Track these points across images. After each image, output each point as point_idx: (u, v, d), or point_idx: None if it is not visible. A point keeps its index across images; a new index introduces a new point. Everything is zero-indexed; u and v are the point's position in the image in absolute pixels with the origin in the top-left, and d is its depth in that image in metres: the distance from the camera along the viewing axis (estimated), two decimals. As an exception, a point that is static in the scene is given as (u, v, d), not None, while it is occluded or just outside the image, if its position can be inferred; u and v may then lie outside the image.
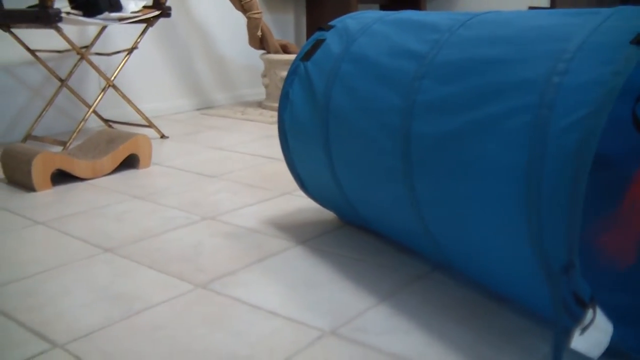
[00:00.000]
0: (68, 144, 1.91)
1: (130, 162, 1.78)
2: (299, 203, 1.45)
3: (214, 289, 1.00)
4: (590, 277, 0.89)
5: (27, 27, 1.97)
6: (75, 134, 1.96)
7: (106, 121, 2.30)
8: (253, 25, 2.68)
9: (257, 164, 1.82)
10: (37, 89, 2.28)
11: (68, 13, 1.88)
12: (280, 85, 2.71)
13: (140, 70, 2.60)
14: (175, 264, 1.11)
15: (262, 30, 2.71)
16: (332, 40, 1.15)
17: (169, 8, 2.17)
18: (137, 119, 2.44)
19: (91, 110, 2.06)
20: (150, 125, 2.21)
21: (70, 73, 2.14)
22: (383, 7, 3.47)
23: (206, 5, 2.85)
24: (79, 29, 2.37)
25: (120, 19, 2.00)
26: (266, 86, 2.81)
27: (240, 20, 2.94)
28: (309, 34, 3.22)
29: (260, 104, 2.93)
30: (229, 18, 2.93)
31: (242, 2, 2.64)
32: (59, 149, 1.94)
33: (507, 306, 0.94)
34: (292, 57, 2.67)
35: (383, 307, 0.94)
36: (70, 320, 0.91)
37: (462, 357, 0.80)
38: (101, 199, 1.49)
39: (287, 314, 0.92)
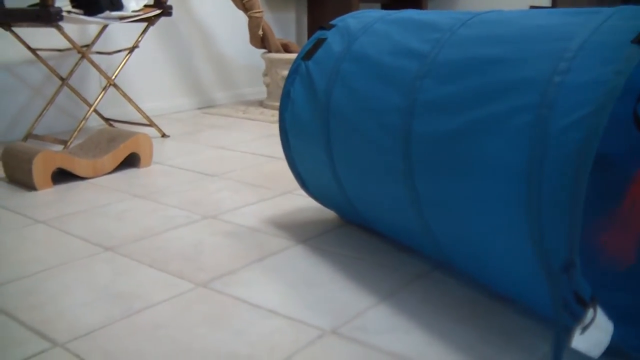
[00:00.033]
0: (69, 143, 1.91)
1: (131, 161, 1.78)
2: (299, 202, 1.45)
3: (214, 288, 1.00)
4: (591, 276, 0.89)
5: (28, 26, 1.97)
6: (76, 132, 1.96)
7: (107, 120, 2.30)
8: (254, 24, 2.68)
9: (258, 163, 1.82)
10: (37, 88, 2.28)
11: (69, 12, 1.88)
12: (281, 84, 2.70)
13: (141, 69, 2.60)
14: (175, 262, 1.11)
15: (263, 29, 2.71)
16: (333, 39, 1.15)
17: (170, 7, 2.17)
18: (138, 117, 2.44)
19: (92, 109, 2.06)
20: (151, 124, 2.21)
21: (71, 72, 2.14)
22: (384, 6, 3.47)
23: (207, 4, 2.85)
24: (79, 27, 2.37)
25: (121, 18, 2.00)
26: (267, 85, 2.81)
27: (241, 19, 2.94)
28: (310, 33, 3.22)
29: (261, 103, 2.93)
30: (230, 17, 2.93)
31: (244, 1, 2.63)
32: (59, 147, 1.94)
33: (507, 305, 0.94)
34: (293, 56, 2.67)
35: (383, 306, 0.94)
36: (70, 319, 0.91)
37: (462, 356, 0.80)
38: (102, 198, 1.50)
39: (288, 313, 0.92)
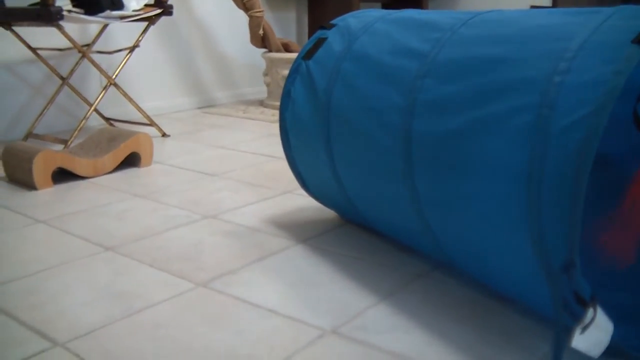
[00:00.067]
0: (69, 142, 1.91)
1: (131, 161, 1.78)
2: (300, 202, 1.45)
3: (214, 288, 1.00)
4: (591, 276, 0.89)
5: (28, 25, 1.97)
6: (76, 132, 1.96)
7: (107, 119, 2.30)
8: (255, 24, 2.68)
9: (258, 163, 1.82)
10: (38, 87, 2.28)
11: (69, 11, 1.88)
12: (282, 83, 2.70)
13: (141, 69, 2.60)
14: (176, 262, 1.11)
15: (263, 29, 2.71)
16: (333, 38, 1.15)
17: (171, 6, 2.17)
18: (139, 117, 2.44)
19: (92, 108, 2.06)
20: (151, 123, 2.21)
21: (72, 71, 2.14)
22: (385, 6, 3.46)
23: (208, 3, 2.85)
24: (80, 27, 2.37)
25: (122, 17, 2.00)
26: (268, 85, 2.81)
27: (242, 18, 2.94)
28: (311, 32, 3.22)
29: (261, 103, 2.93)
30: (231, 16, 2.93)
31: (244, 1, 2.63)
32: (60, 147, 1.94)
33: (507, 305, 0.94)
34: (294, 55, 2.67)
35: (383, 306, 0.94)
36: (71, 319, 0.91)
37: (462, 356, 0.80)
38: (102, 198, 1.50)
39: (288, 313, 0.92)
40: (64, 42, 2.17)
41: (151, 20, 2.14)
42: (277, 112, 2.67)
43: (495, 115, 0.78)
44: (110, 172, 1.71)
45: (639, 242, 0.90)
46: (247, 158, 1.88)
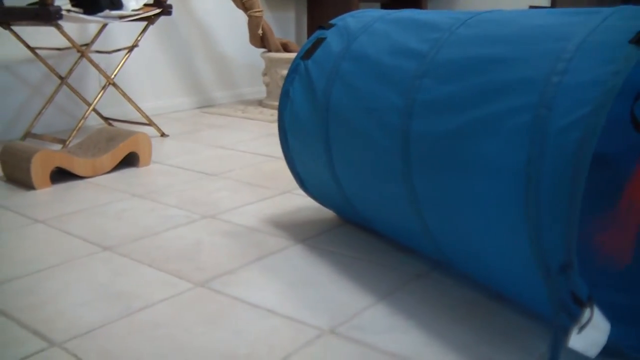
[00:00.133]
0: (68, 142, 1.91)
1: (130, 161, 1.78)
2: (298, 201, 1.45)
3: (213, 288, 1.00)
4: (588, 276, 0.89)
5: (27, 25, 1.97)
6: (75, 132, 1.96)
7: (106, 119, 2.30)
8: (254, 24, 2.68)
9: (257, 163, 1.82)
10: (37, 87, 2.28)
11: (68, 10, 1.88)
12: (281, 83, 2.70)
13: (140, 69, 2.60)
14: (174, 262, 1.11)
15: (263, 29, 2.71)
16: (332, 38, 1.15)
17: (170, 6, 2.17)
18: (137, 117, 2.44)
19: (91, 108, 2.06)
20: (150, 123, 2.21)
21: (71, 71, 2.14)
22: (384, 6, 3.47)
23: (207, 3, 2.85)
24: (79, 26, 2.37)
25: (121, 17, 2.00)
26: (267, 84, 2.81)
27: (241, 18, 2.94)
28: (310, 32, 3.22)
29: (260, 103, 2.93)
30: (230, 16, 2.93)
31: (243, 1, 2.63)
32: (58, 147, 1.94)
33: (505, 305, 0.94)
34: (293, 55, 2.67)
35: (381, 306, 0.94)
36: (69, 319, 0.91)
37: (460, 356, 0.80)
38: (101, 197, 1.50)
39: (286, 313, 0.92)
40: (62, 42, 2.17)
41: (150, 20, 2.14)
42: (276, 112, 2.67)
43: (493, 116, 0.78)
44: (109, 172, 1.71)
45: (635, 242, 0.91)
46: (246, 158, 1.88)
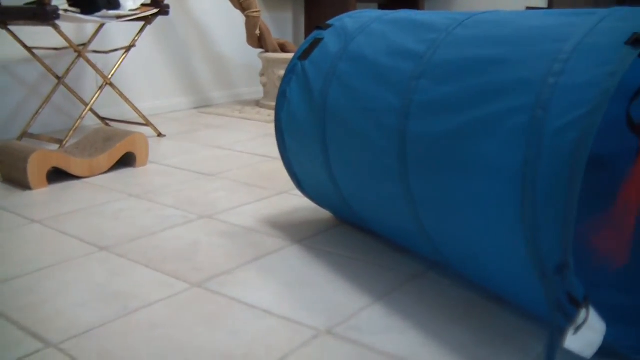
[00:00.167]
0: (64, 142, 1.91)
1: (127, 161, 1.78)
2: (295, 202, 1.45)
3: (210, 288, 1.00)
4: (584, 276, 0.89)
5: (24, 24, 1.97)
6: (71, 132, 1.95)
7: (103, 119, 2.30)
8: (252, 24, 2.68)
9: (254, 163, 1.82)
10: (33, 87, 2.27)
11: (66, 10, 1.88)
12: (278, 84, 2.70)
13: (137, 69, 2.60)
14: (171, 262, 1.11)
15: (260, 29, 2.71)
16: (329, 39, 1.15)
17: (168, 6, 2.17)
18: (134, 117, 2.44)
19: (88, 108, 2.06)
20: (147, 123, 2.21)
21: (68, 71, 2.13)
22: (382, 6, 3.47)
23: (205, 3, 2.85)
24: (76, 26, 2.37)
25: (118, 17, 2.00)
26: (264, 85, 2.81)
27: (238, 18, 2.94)
28: (308, 32, 3.22)
29: (258, 103, 2.93)
30: (228, 16, 2.93)
31: (241, 1, 2.63)
32: (55, 147, 1.94)
33: (502, 306, 0.94)
34: (290, 56, 2.67)
35: (378, 306, 0.94)
36: (65, 319, 0.91)
37: (456, 356, 0.80)
38: (98, 198, 1.49)
39: (283, 313, 0.92)
40: (60, 42, 2.17)
41: (148, 20, 2.14)
42: (273, 113, 2.67)
43: (490, 116, 0.78)
44: (106, 172, 1.71)
45: (631, 242, 0.91)
46: (243, 158, 1.88)
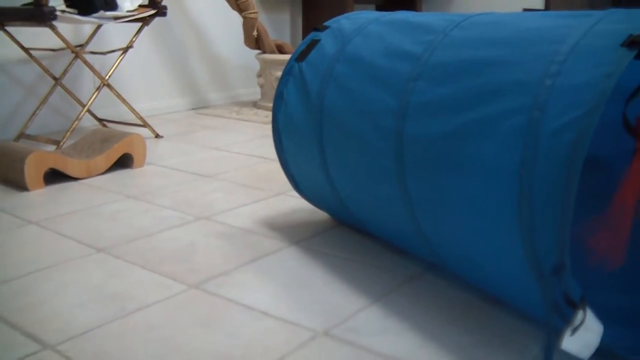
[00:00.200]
0: (62, 143, 1.91)
1: (124, 162, 1.78)
2: (293, 203, 1.45)
3: (207, 289, 1.00)
4: (581, 277, 0.89)
5: (21, 25, 1.96)
6: (69, 133, 1.95)
7: (100, 120, 2.30)
8: (249, 25, 2.68)
9: (251, 164, 1.82)
10: (31, 88, 2.27)
11: (63, 11, 1.87)
12: (276, 85, 2.70)
13: (135, 70, 2.60)
14: (168, 264, 1.11)
15: (257, 30, 2.71)
16: (326, 40, 1.15)
17: (165, 7, 2.17)
18: (132, 118, 2.44)
19: (85, 109, 2.06)
20: (144, 124, 2.21)
21: (65, 72, 2.13)
22: (379, 8, 3.47)
23: (202, 4, 2.85)
24: (73, 27, 2.36)
25: (116, 18, 2.00)
26: (261, 86, 2.81)
27: (236, 20, 2.94)
28: (305, 34, 3.22)
29: (255, 104, 2.93)
30: (225, 18, 2.93)
31: (238, 2, 2.63)
32: (52, 148, 1.93)
33: (499, 307, 0.94)
34: (288, 57, 2.67)
35: (375, 307, 0.94)
36: (62, 321, 0.90)
37: (453, 357, 0.80)
38: (95, 199, 1.49)
39: (280, 315, 0.92)
40: (57, 43, 2.17)
41: (145, 21, 2.14)
42: (270, 114, 2.67)
43: (487, 118, 0.78)
44: (103, 173, 1.71)
45: (627, 243, 0.91)
46: (240, 159, 1.88)
